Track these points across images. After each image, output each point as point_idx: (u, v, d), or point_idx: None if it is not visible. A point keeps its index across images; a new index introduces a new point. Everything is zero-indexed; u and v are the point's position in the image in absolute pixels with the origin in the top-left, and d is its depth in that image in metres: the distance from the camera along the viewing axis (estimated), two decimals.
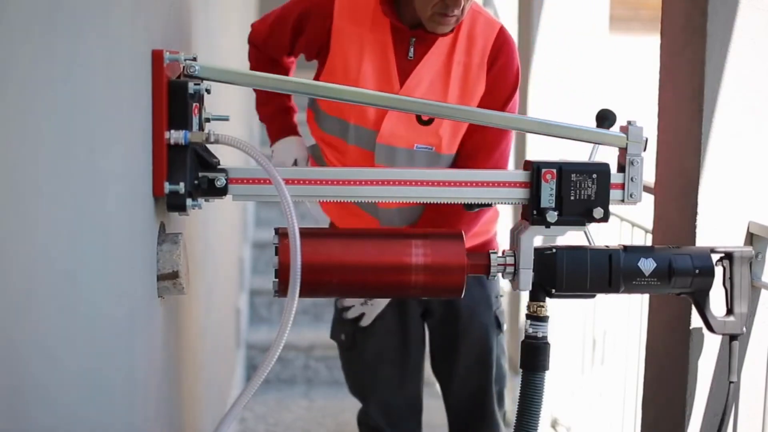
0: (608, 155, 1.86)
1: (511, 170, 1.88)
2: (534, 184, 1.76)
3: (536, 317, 1.83)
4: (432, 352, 2.61)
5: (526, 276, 1.79)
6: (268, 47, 2.37)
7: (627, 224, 3.00)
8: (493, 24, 2.27)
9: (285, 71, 2.43)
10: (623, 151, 1.81)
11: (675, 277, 1.82)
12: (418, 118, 2.22)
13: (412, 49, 2.22)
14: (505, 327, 2.55)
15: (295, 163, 2.37)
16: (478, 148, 2.25)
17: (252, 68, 2.41)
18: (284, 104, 2.45)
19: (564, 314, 3.61)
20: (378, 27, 2.21)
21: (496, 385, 2.54)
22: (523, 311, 1.87)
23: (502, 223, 5.35)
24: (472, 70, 2.22)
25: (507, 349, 2.62)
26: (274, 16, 2.34)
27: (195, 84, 1.62)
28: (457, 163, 2.28)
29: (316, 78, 2.28)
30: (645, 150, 1.81)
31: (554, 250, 1.81)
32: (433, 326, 2.57)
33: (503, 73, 2.24)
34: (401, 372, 2.55)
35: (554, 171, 1.76)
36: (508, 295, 4.46)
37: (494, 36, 2.24)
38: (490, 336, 2.50)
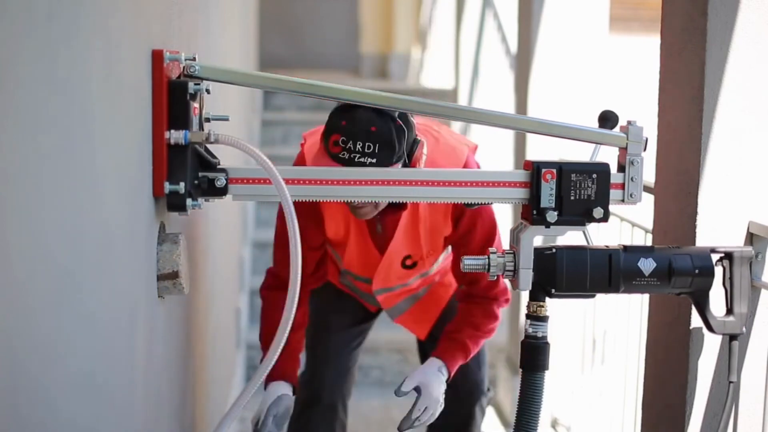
0: (608, 155, 1.86)
1: (511, 170, 1.87)
2: (534, 184, 1.76)
3: (536, 317, 1.84)
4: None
5: (526, 276, 1.79)
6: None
7: (627, 224, 2.99)
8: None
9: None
10: (623, 151, 1.81)
11: (675, 277, 1.82)
12: (402, 263, 2.30)
13: (379, 226, 2.25)
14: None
15: (267, 412, 2.23)
16: (478, 273, 2.05)
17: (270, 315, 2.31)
18: (291, 345, 2.25)
19: (564, 314, 3.61)
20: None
21: (479, 400, 2.55)
22: (523, 311, 1.87)
23: (502, 223, 5.35)
24: (438, 223, 2.22)
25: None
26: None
27: (195, 84, 1.62)
28: (461, 291, 2.34)
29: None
30: (645, 150, 1.81)
31: (554, 250, 1.81)
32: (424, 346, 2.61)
33: (475, 224, 2.20)
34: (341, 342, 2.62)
35: (554, 171, 1.76)
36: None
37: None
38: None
